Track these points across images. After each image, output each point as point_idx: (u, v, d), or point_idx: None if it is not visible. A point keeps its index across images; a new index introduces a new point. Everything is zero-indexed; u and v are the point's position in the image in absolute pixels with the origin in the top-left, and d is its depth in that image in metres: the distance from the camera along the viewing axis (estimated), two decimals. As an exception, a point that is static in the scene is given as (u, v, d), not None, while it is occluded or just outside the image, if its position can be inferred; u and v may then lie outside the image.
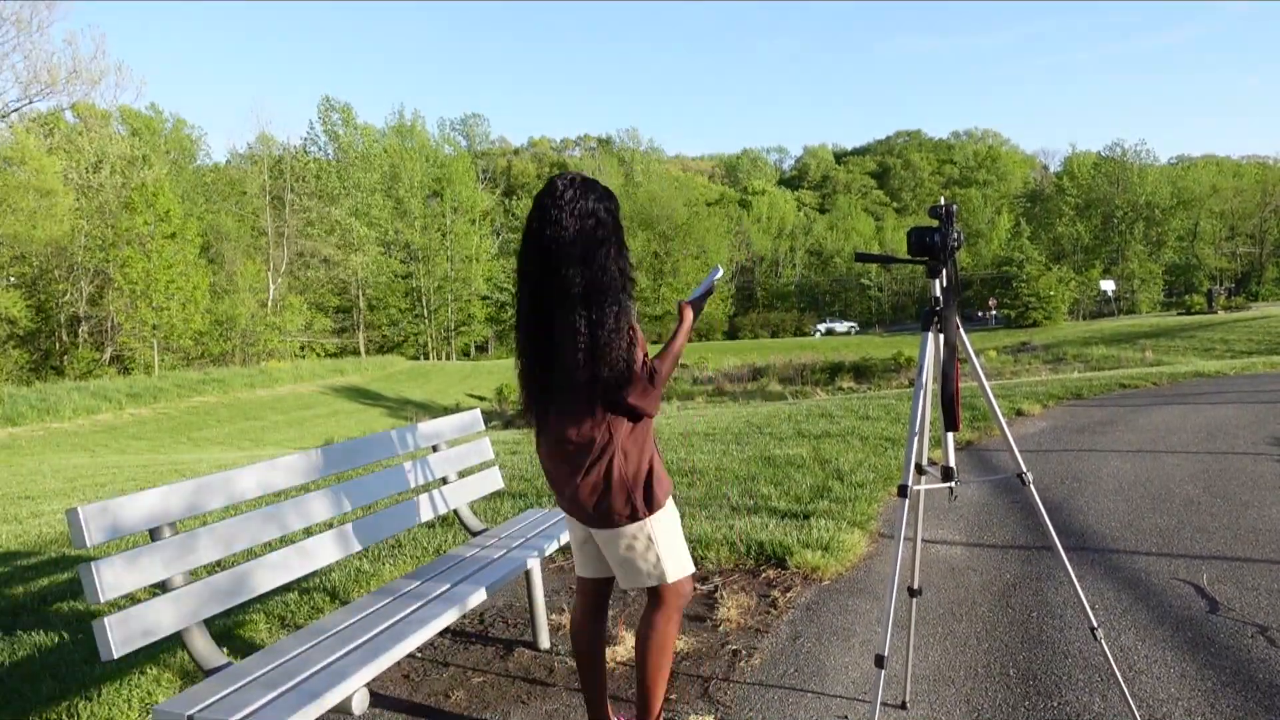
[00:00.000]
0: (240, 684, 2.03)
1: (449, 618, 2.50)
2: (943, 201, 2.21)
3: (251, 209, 45.56)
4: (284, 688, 2.01)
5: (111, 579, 1.93)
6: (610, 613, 3.45)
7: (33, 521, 6.45)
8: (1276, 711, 2.37)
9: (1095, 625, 2.24)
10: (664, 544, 2.13)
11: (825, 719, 2.49)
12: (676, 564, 2.16)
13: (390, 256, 53.95)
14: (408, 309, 55.75)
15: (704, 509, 4.89)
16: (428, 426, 3.21)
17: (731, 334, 66.72)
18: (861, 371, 31.72)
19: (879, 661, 2.13)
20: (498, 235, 63.83)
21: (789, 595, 3.51)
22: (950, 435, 2.29)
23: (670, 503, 2.18)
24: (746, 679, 2.78)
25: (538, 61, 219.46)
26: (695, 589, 3.65)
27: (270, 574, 2.36)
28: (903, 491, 2.14)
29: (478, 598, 2.65)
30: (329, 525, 4.22)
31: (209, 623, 3.25)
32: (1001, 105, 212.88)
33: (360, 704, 2.08)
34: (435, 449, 3.24)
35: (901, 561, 2.16)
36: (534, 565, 3.07)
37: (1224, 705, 2.42)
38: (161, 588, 2.08)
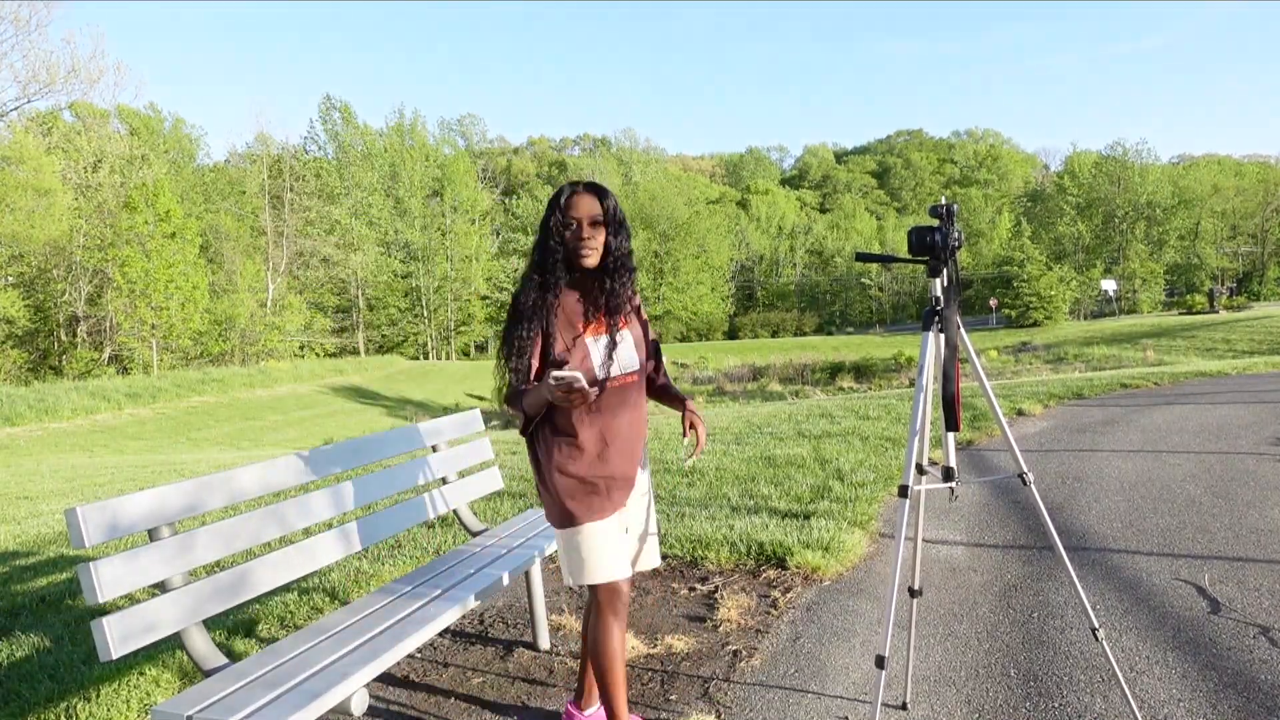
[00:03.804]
0: (240, 684, 2.03)
1: (449, 618, 2.49)
2: (943, 201, 2.20)
3: (251, 209, 45.54)
4: (284, 688, 2.00)
5: (110, 579, 1.93)
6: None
7: (31, 521, 6.44)
8: (1278, 713, 2.37)
9: (1096, 626, 2.24)
10: (568, 553, 2.19)
11: (826, 720, 2.49)
12: (583, 570, 2.17)
13: (390, 256, 53.93)
14: (407, 309, 55.73)
15: (704, 509, 4.88)
16: (428, 426, 3.20)
17: (731, 334, 66.72)
18: (862, 371, 31.74)
19: (879, 662, 2.12)
20: (497, 235, 63.80)
21: (789, 595, 3.50)
22: (951, 435, 2.28)
23: (588, 527, 2.14)
24: (747, 679, 2.77)
25: (538, 61, 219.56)
26: (694, 589, 3.65)
27: (270, 573, 2.35)
28: (903, 492, 2.13)
29: (478, 598, 2.65)
30: (329, 525, 4.22)
31: (208, 623, 3.25)
32: (1002, 105, 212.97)
33: (360, 704, 2.08)
34: (435, 449, 3.23)
35: (902, 562, 2.15)
36: (534, 566, 3.06)
37: (1226, 707, 2.41)
38: (160, 587, 2.08)
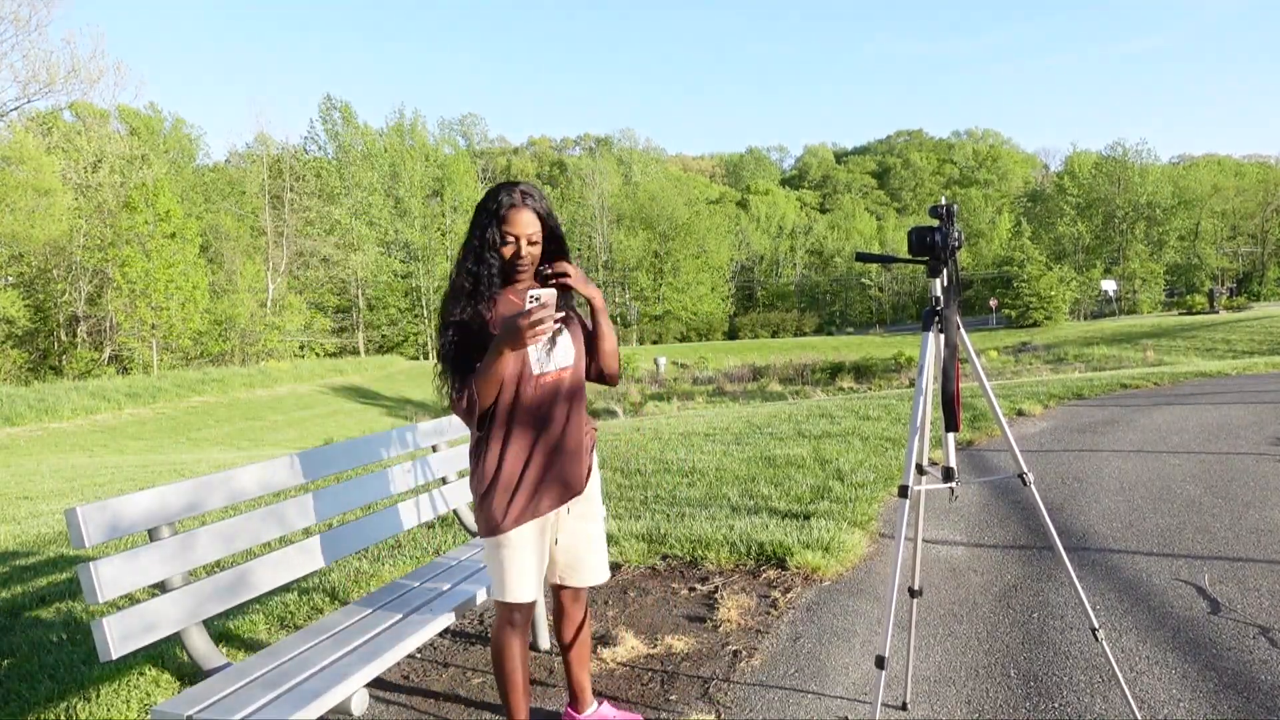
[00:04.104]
0: (240, 684, 2.03)
1: (449, 618, 2.50)
2: (943, 201, 2.20)
3: (251, 209, 45.55)
4: (284, 688, 2.00)
5: (110, 579, 1.93)
6: (610, 612, 3.45)
7: (31, 521, 6.44)
8: (1278, 714, 2.37)
9: (1096, 626, 2.24)
10: (489, 564, 2.16)
11: (826, 720, 2.49)
12: (500, 585, 2.14)
13: (390, 256, 53.95)
14: (407, 309, 55.74)
15: (704, 509, 4.88)
16: (427, 426, 3.20)
17: (731, 334, 66.69)
18: (862, 371, 31.75)
19: (880, 662, 2.12)
20: (497, 235, 63.68)
21: (789, 596, 3.50)
22: (951, 435, 2.28)
23: (511, 535, 2.09)
24: (747, 679, 2.77)
25: (538, 61, 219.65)
26: (694, 589, 3.65)
27: (270, 573, 2.35)
28: (903, 492, 2.13)
29: (478, 598, 2.65)
30: (328, 525, 4.22)
31: (208, 623, 3.24)
32: (1002, 105, 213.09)
33: (360, 704, 2.08)
34: (435, 449, 3.24)
35: (902, 562, 2.15)
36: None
37: (1226, 707, 2.41)
38: (160, 587, 2.08)
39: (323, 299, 48.88)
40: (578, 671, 2.41)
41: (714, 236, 69.24)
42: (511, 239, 2.06)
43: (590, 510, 2.30)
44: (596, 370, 2.28)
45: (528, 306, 1.85)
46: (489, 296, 2.06)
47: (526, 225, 2.06)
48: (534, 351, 2.08)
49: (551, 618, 2.37)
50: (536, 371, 2.08)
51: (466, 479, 3.35)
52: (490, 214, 2.05)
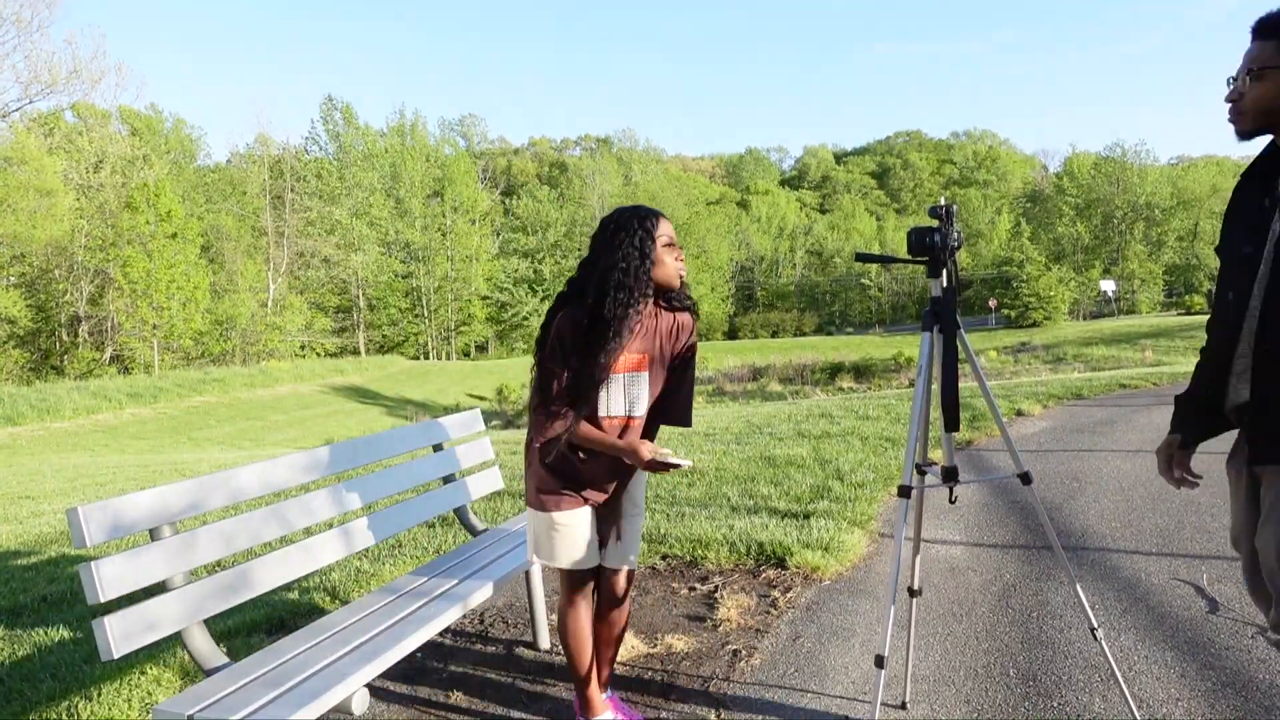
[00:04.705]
0: (240, 684, 2.03)
1: (449, 618, 2.50)
2: (942, 201, 2.21)
3: (252, 209, 45.56)
4: (284, 688, 2.01)
5: (111, 578, 1.93)
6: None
7: (33, 521, 6.45)
8: (1277, 712, 2.37)
9: (1095, 625, 2.24)
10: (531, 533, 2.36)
11: (825, 719, 2.50)
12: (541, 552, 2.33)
13: (390, 256, 53.95)
14: (408, 309, 55.72)
15: (704, 509, 4.89)
16: (428, 425, 3.21)
17: (731, 334, 66.66)
18: (861, 371, 31.71)
19: (879, 662, 2.13)
20: (498, 235, 63.79)
21: (789, 595, 3.51)
22: (950, 435, 2.29)
23: (556, 514, 2.26)
24: (746, 679, 2.78)
25: (538, 61, 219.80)
26: (694, 589, 3.66)
27: (270, 573, 2.36)
28: (903, 491, 2.14)
29: (478, 598, 2.65)
30: (329, 525, 4.22)
31: (209, 622, 3.25)
32: (1002, 105, 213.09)
33: (360, 704, 2.08)
34: (435, 448, 3.24)
35: (901, 561, 2.16)
36: (534, 565, 3.07)
37: (1224, 706, 2.42)
38: (162, 587, 2.08)
39: (323, 299, 48.89)
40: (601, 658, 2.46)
41: (714, 237, 69.20)
42: (670, 239, 2.18)
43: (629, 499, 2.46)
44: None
45: (677, 464, 2.12)
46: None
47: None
48: (604, 397, 2.21)
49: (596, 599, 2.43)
50: (603, 413, 2.23)
51: (467, 478, 3.36)
52: (641, 228, 2.13)
